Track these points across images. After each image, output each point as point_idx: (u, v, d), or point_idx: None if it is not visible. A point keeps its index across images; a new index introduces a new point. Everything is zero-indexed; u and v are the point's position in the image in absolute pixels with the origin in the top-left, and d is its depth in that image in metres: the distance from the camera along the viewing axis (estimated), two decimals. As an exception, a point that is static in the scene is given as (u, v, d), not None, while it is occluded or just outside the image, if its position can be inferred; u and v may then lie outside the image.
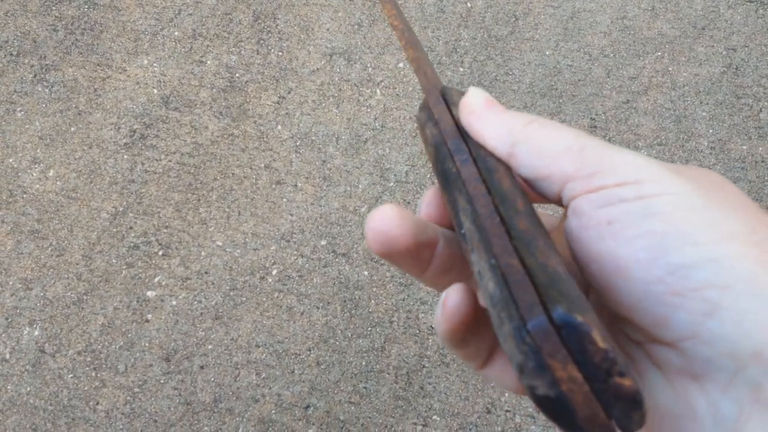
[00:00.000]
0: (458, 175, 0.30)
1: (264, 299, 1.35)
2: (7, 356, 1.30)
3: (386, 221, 0.29)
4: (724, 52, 1.63)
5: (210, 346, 1.31)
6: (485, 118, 0.31)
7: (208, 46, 1.62)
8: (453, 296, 0.29)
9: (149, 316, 1.33)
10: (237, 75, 1.58)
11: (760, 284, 0.24)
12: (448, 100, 0.33)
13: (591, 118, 1.54)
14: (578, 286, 0.29)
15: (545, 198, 0.30)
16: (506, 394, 1.28)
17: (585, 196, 0.27)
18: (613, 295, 0.27)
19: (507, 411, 1.27)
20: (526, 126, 0.30)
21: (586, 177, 0.27)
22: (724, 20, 1.67)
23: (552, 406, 0.23)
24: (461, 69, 1.60)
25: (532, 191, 0.31)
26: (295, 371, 1.30)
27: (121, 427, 1.25)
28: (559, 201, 0.29)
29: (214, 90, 1.56)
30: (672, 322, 0.25)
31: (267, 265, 1.38)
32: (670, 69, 1.61)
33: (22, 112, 1.52)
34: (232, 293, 1.36)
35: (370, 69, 1.60)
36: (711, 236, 0.25)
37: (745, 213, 0.27)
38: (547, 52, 1.63)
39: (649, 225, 0.26)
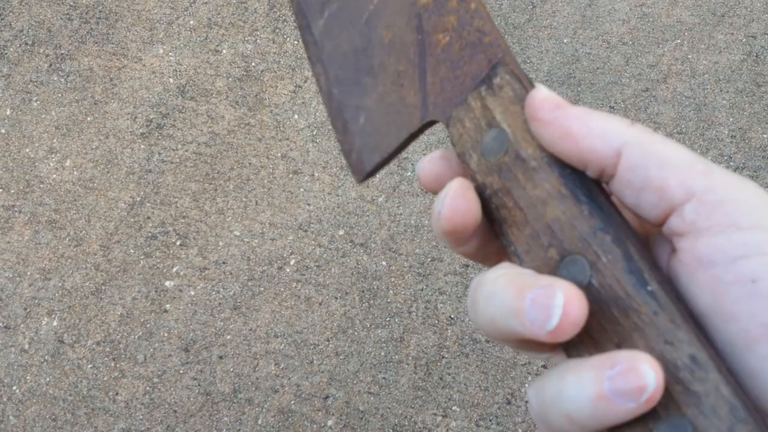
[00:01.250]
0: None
1: (282, 289, 1.35)
2: (26, 346, 1.30)
3: (459, 199, 0.28)
4: (744, 40, 1.61)
5: (228, 337, 1.31)
6: (575, 116, 0.27)
7: (223, 35, 1.61)
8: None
9: (168, 306, 1.33)
10: (253, 64, 1.57)
11: None
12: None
13: (610, 106, 1.52)
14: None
15: (640, 218, 0.27)
16: (527, 384, 1.27)
17: (715, 242, 0.24)
18: (724, 326, 0.24)
19: (527, 402, 1.26)
20: (630, 126, 0.27)
21: (713, 204, 0.24)
22: (744, 7, 1.65)
23: None
24: (478, 57, 1.59)
25: (626, 210, 0.28)
26: (314, 361, 1.29)
27: (140, 417, 1.25)
28: (658, 223, 0.26)
29: (230, 79, 1.55)
30: None
31: (285, 255, 1.38)
32: (689, 57, 1.59)
33: (38, 102, 1.52)
34: (250, 283, 1.35)
35: (386, 57, 1.59)
36: None
37: None
38: (565, 40, 1.61)
39: None
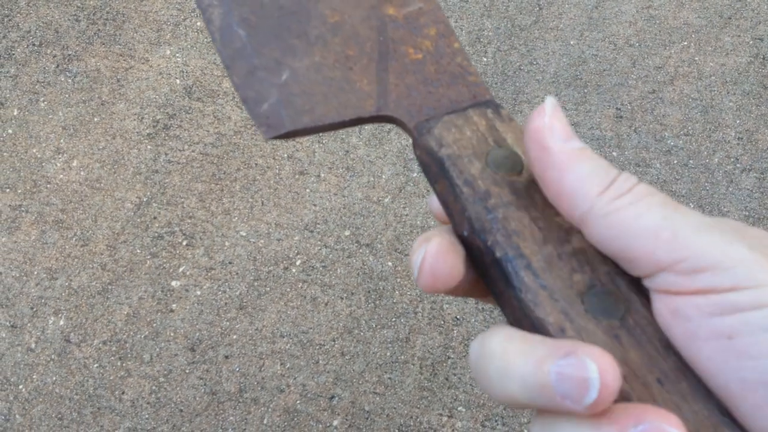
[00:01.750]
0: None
1: (288, 289, 1.35)
2: (33, 346, 1.30)
3: (439, 263, 0.26)
4: (750, 42, 1.61)
5: (234, 336, 1.31)
6: (560, 168, 0.25)
7: (230, 36, 1.61)
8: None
9: (174, 306, 1.33)
10: (259, 65, 1.58)
11: None
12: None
13: (617, 108, 1.52)
14: None
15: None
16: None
17: (690, 299, 0.23)
18: (731, 403, 0.23)
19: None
20: (602, 194, 0.25)
21: (687, 273, 0.23)
22: (751, 9, 1.65)
23: None
24: (484, 59, 1.59)
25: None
26: (320, 361, 1.29)
27: (146, 416, 1.25)
28: (641, 280, 0.26)
29: (237, 80, 1.56)
30: None
31: (291, 256, 1.38)
32: (696, 59, 1.59)
33: (46, 102, 1.53)
34: (256, 283, 1.35)
35: (392, 59, 1.59)
36: None
37: None
38: (571, 42, 1.61)
39: None
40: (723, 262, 0.23)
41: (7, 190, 1.43)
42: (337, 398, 1.27)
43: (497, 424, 1.24)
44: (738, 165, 1.45)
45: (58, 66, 1.57)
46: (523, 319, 0.26)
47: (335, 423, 1.24)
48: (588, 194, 0.25)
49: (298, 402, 1.26)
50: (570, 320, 0.25)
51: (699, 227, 0.24)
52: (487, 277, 0.28)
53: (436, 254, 0.26)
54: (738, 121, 1.51)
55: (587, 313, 0.25)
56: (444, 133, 0.30)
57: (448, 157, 0.29)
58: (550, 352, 0.22)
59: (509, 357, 0.24)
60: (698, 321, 0.23)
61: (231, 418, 1.25)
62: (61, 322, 1.32)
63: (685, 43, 1.61)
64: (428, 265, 0.26)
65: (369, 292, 1.35)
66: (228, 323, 1.32)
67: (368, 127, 1.50)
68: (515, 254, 0.26)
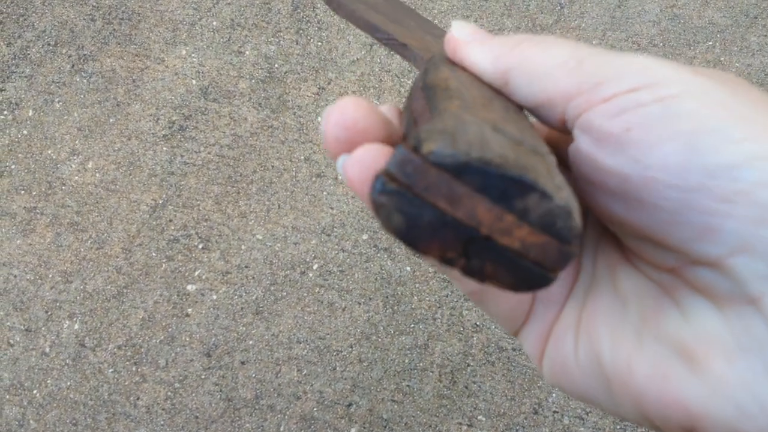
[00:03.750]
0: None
1: (305, 294, 1.33)
2: (47, 350, 1.29)
3: (350, 113, 0.25)
4: (778, 42, 1.57)
5: (251, 342, 1.29)
6: (472, 49, 0.27)
7: (246, 36, 1.59)
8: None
9: (189, 311, 1.32)
10: (276, 65, 1.56)
11: None
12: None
13: (640, 110, 1.49)
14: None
15: (554, 128, 0.27)
16: (554, 395, 1.25)
17: (594, 109, 0.24)
18: (639, 215, 0.23)
19: (555, 412, 1.24)
20: (514, 48, 0.26)
21: (590, 90, 0.24)
22: (778, 8, 1.61)
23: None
24: (505, 59, 1.56)
25: (542, 125, 0.28)
26: (337, 368, 1.27)
27: (162, 422, 1.24)
28: (566, 129, 0.26)
29: (253, 81, 1.54)
30: (719, 233, 0.21)
31: (308, 260, 1.36)
32: (721, 59, 1.55)
33: (61, 103, 1.51)
34: (272, 288, 1.33)
35: (411, 59, 1.56)
36: (752, 131, 0.21)
37: None
38: (593, 42, 1.58)
39: (676, 126, 0.22)
40: (624, 73, 0.23)
41: (22, 191, 1.42)
42: (354, 406, 1.25)
43: (518, 434, 1.22)
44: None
45: (73, 66, 1.56)
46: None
47: (353, 431, 1.22)
48: (502, 53, 0.27)
49: (315, 409, 1.24)
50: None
51: (605, 52, 0.25)
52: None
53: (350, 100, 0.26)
54: (765, 124, 1.47)
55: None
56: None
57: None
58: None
59: None
60: (600, 125, 0.23)
61: (247, 425, 1.23)
62: (76, 326, 1.31)
63: (710, 42, 1.58)
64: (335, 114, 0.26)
65: (387, 297, 1.33)
66: (244, 328, 1.30)
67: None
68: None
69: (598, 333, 0.26)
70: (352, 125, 0.25)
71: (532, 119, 0.28)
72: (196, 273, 1.35)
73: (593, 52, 0.25)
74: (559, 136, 0.30)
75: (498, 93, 0.27)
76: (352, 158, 0.23)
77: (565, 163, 0.28)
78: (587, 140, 0.24)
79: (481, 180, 0.20)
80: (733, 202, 0.21)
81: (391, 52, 1.57)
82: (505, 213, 0.21)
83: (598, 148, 0.24)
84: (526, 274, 0.21)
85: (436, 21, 1.61)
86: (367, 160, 0.23)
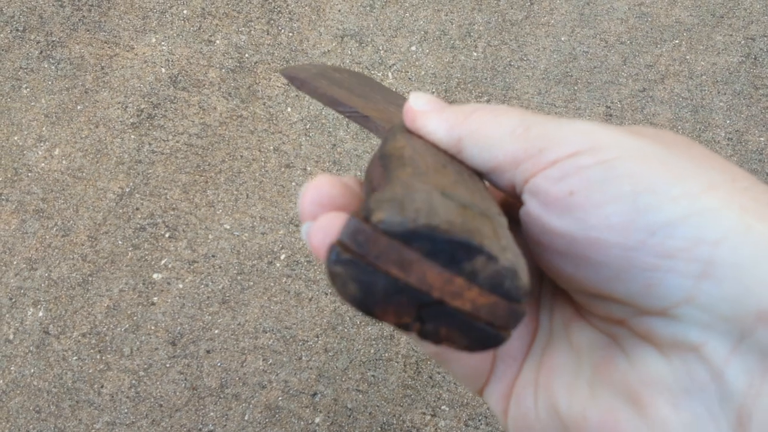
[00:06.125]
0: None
1: (272, 284, 1.33)
2: (11, 337, 1.28)
3: (325, 189, 0.27)
4: (742, 42, 1.60)
5: (216, 331, 1.29)
6: (428, 119, 0.29)
7: (217, 25, 1.59)
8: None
9: (155, 299, 1.32)
10: (246, 55, 1.56)
11: (755, 235, 0.22)
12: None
13: (606, 106, 1.51)
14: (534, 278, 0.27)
15: (505, 193, 0.28)
16: (516, 385, 1.26)
17: (540, 174, 0.25)
18: (586, 273, 0.24)
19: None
20: (467, 118, 0.28)
21: (536, 156, 0.25)
22: (743, 9, 1.64)
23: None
24: (475, 54, 1.57)
25: (496, 191, 0.29)
26: (303, 358, 1.28)
27: (125, 410, 1.23)
28: (516, 193, 0.27)
29: (223, 70, 1.53)
30: (661, 288, 0.23)
31: (275, 250, 1.36)
32: (687, 57, 1.58)
33: (28, 89, 1.50)
34: (239, 277, 1.34)
35: (381, 52, 1.57)
36: (690, 189, 0.22)
37: (719, 165, 0.24)
38: (562, 38, 1.60)
39: (616, 187, 0.23)
40: (565, 138, 0.25)
41: (-13, 178, 1.40)
42: (319, 395, 1.25)
43: (480, 424, 1.23)
44: (727, 166, 1.44)
45: (41, 52, 1.54)
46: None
47: (317, 420, 1.23)
48: (456, 122, 0.28)
49: (280, 398, 1.25)
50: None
51: (549, 119, 0.26)
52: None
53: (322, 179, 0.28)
54: (728, 122, 1.50)
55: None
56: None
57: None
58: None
59: None
60: (545, 189, 0.25)
61: (211, 413, 1.23)
62: (40, 314, 1.30)
63: (677, 41, 1.60)
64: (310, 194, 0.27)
65: (353, 288, 1.33)
66: (210, 317, 1.30)
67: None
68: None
69: (555, 388, 0.27)
70: (328, 203, 0.26)
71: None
72: (163, 262, 1.35)
73: (541, 119, 0.26)
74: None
75: (453, 158, 0.28)
76: (314, 226, 0.24)
77: (519, 223, 0.29)
78: (535, 203, 0.25)
79: (430, 245, 0.21)
80: (674, 258, 0.22)
81: (361, 44, 1.58)
82: (454, 276, 0.21)
83: (545, 210, 0.25)
84: (479, 335, 0.22)
85: (407, 14, 1.62)
86: (328, 228, 0.24)
